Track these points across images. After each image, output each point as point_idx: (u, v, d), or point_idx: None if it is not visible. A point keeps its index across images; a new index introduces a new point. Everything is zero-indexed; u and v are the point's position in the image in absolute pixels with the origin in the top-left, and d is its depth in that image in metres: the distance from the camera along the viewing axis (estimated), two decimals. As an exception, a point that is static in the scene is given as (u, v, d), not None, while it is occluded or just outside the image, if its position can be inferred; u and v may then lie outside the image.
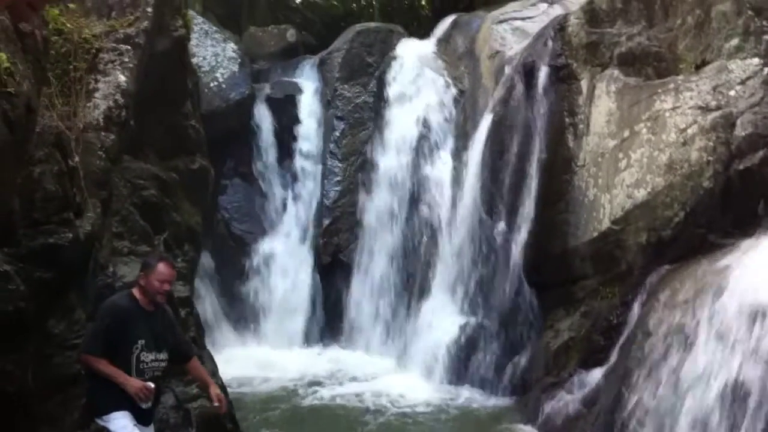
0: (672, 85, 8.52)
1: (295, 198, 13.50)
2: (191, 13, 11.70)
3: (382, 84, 13.44)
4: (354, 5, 20.01)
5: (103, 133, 7.05)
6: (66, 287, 6.03)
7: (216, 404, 5.73)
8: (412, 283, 12.17)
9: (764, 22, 8.34)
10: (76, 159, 6.29)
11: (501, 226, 10.33)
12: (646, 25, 9.42)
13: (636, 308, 8.05)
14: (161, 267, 5.47)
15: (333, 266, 12.83)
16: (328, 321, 12.67)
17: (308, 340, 12.57)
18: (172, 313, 5.96)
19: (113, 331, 5.22)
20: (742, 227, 7.74)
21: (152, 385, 5.23)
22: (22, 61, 5.18)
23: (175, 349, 5.66)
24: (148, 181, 8.13)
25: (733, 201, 7.92)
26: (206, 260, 11.69)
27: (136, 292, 5.49)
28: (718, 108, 8.06)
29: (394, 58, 13.64)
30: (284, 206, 13.48)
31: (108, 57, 7.55)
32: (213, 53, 13.40)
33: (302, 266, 12.95)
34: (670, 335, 7.02)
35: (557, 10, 12.10)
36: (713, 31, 8.65)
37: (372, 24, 15.21)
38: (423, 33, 14.61)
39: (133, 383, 5.16)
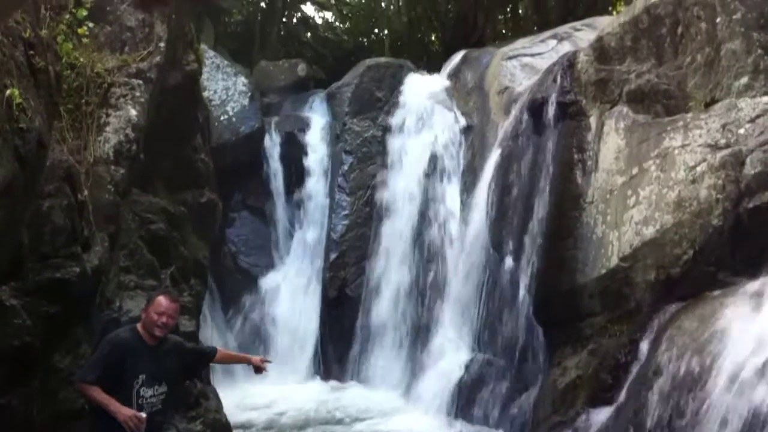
0: (681, 123, 8.51)
1: (303, 231, 13.51)
2: (203, 47, 11.82)
3: (390, 118, 13.50)
4: (364, 40, 20.21)
5: (113, 167, 7.10)
6: (72, 321, 6.03)
7: (264, 364, 6.08)
8: (419, 318, 12.09)
9: (774, 61, 8.35)
10: (86, 193, 6.32)
11: (509, 261, 10.29)
12: (656, 63, 9.42)
13: (644, 346, 7.94)
14: (160, 299, 5.47)
15: (339, 300, 12.77)
16: (334, 356, 12.57)
17: (314, 375, 12.48)
18: (176, 337, 5.91)
19: (112, 364, 5.20)
20: (751, 266, 7.68)
21: (144, 414, 5.19)
22: (34, 97, 5.22)
23: (190, 364, 5.76)
24: (157, 214, 8.15)
25: (743, 239, 7.84)
26: (211, 293, 11.64)
27: (139, 326, 5.49)
28: (727, 146, 8.03)
29: (404, 92, 13.71)
30: (291, 240, 13.49)
31: (120, 91, 7.62)
32: (224, 87, 13.51)
33: (308, 300, 12.91)
34: (680, 375, 6.93)
35: (566, 47, 12.17)
36: (723, 69, 8.64)
37: (382, 59, 15.32)
38: (433, 68, 14.72)
39: (123, 411, 5.11)
